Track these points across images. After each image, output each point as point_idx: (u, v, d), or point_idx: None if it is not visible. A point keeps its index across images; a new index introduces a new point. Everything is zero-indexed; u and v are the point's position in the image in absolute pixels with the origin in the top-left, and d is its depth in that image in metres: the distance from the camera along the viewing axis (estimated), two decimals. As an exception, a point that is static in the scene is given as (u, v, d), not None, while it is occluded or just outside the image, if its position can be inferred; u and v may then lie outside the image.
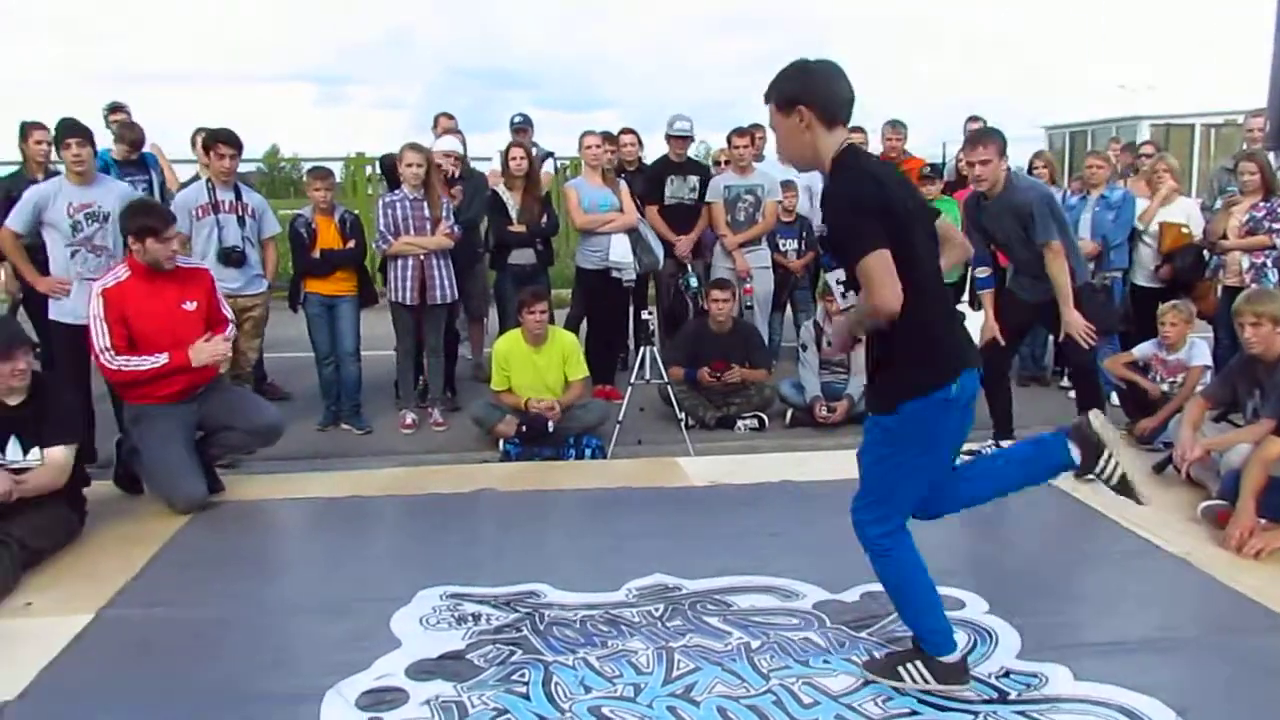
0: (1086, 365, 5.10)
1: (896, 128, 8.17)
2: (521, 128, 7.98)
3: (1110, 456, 3.00)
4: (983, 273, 5.34)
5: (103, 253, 5.28)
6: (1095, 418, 3.03)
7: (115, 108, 7.53)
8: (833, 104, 2.76)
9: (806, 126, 2.76)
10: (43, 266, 5.39)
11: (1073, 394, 6.86)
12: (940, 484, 2.99)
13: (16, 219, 5.30)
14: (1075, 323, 4.88)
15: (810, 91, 2.75)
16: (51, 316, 5.33)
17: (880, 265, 2.62)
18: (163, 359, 4.57)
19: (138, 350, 4.60)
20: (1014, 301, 5.26)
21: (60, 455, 4.16)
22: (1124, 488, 3.04)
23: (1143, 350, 5.93)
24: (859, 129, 7.87)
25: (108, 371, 4.64)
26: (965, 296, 6.92)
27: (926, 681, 2.95)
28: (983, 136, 5.01)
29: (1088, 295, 6.86)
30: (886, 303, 2.62)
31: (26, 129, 6.10)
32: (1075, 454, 3.02)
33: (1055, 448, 3.06)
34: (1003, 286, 5.48)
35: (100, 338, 4.57)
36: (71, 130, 5.27)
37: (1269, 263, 6.21)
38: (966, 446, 5.19)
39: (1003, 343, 5.31)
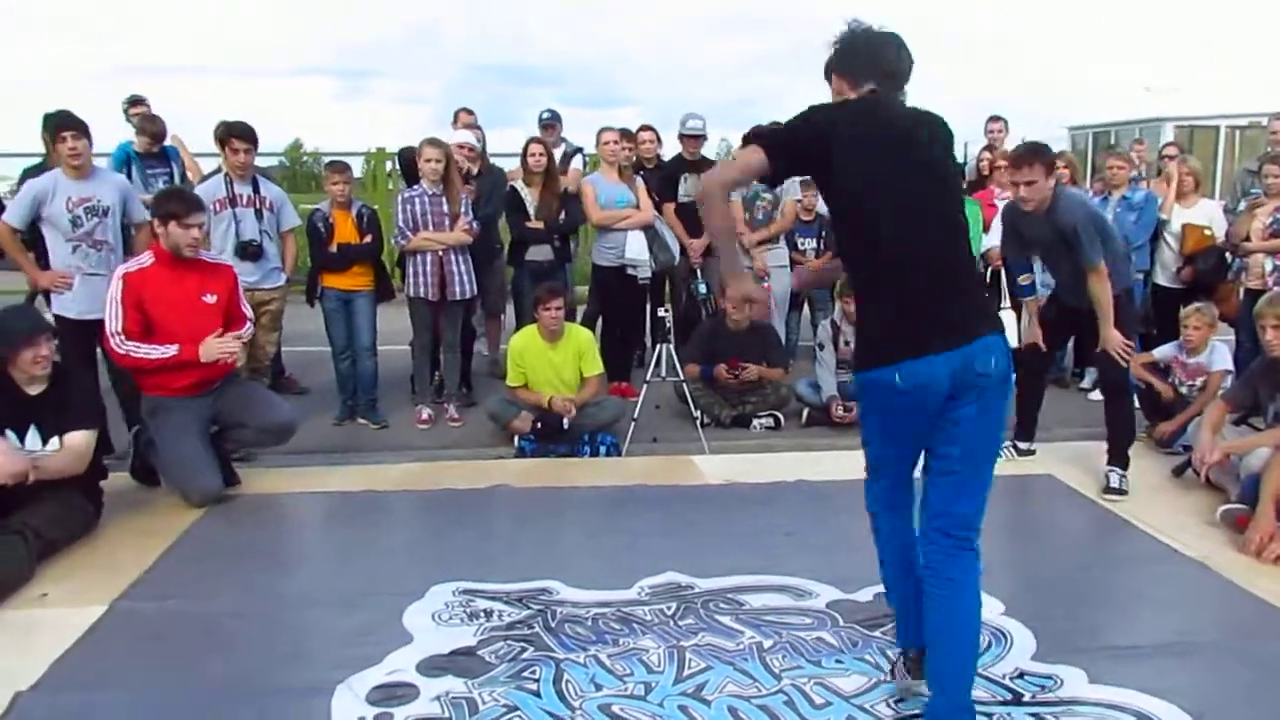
0: (1121, 380, 4.97)
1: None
2: (549, 124, 7.97)
3: None
4: (1025, 280, 5.25)
5: (103, 247, 5.25)
6: None
7: (135, 100, 7.55)
8: (857, 66, 2.74)
9: (838, 93, 2.78)
10: (41, 262, 5.34)
11: (1092, 396, 6.83)
12: (902, 485, 2.87)
13: (14, 214, 5.23)
14: (1113, 339, 4.76)
15: (837, 59, 2.79)
16: (54, 311, 5.26)
17: (741, 155, 2.81)
18: (171, 350, 4.59)
19: (151, 338, 4.62)
20: (1060, 307, 5.15)
21: (80, 440, 4.18)
22: None
23: (1163, 352, 5.88)
24: None
25: (116, 355, 4.66)
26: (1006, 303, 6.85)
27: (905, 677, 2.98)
28: (1029, 156, 4.70)
29: (1126, 299, 6.77)
30: (707, 177, 2.74)
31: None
32: None
33: None
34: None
35: (113, 320, 4.58)
36: (67, 123, 5.18)
37: (1292, 265, 6.16)
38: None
39: (1044, 348, 5.23)
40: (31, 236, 5.37)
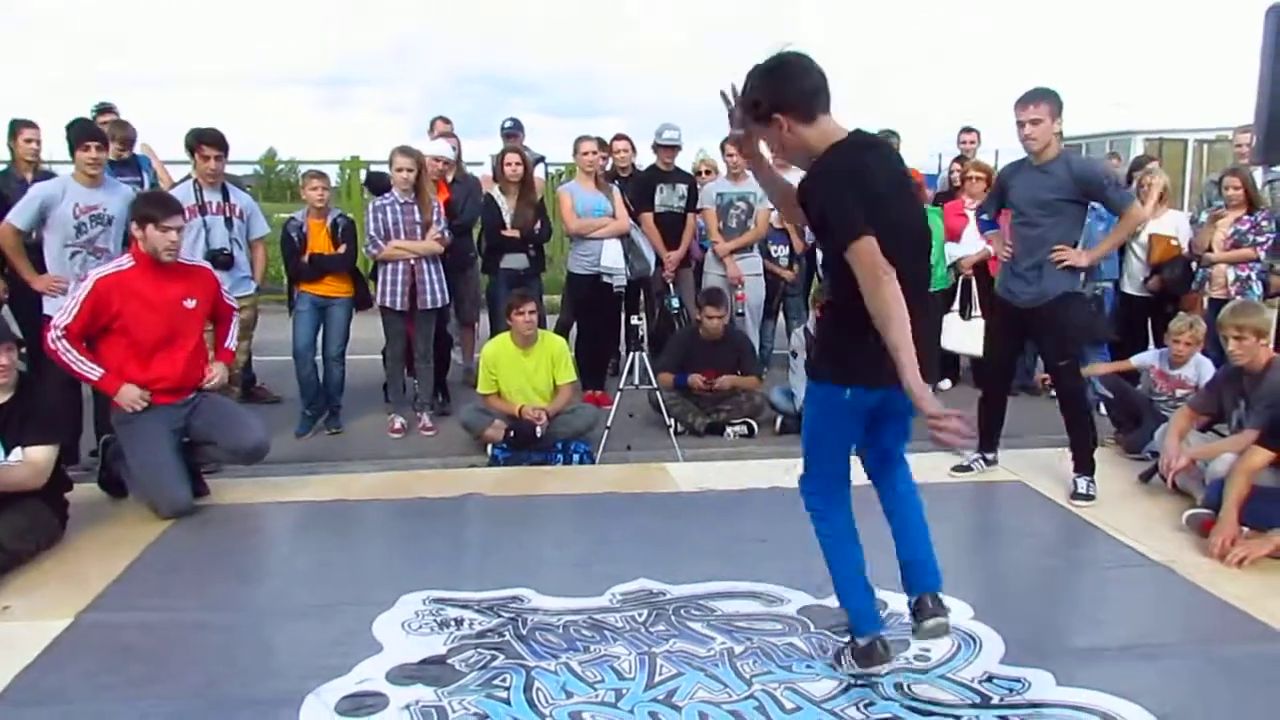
0: (1077, 391, 5.00)
1: (889, 137, 8.17)
2: (512, 133, 7.99)
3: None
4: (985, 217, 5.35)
5: (103, 255, 5.23)
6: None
7: (104, 108, 7.48)
8: (803, 100, 2.75)
9: (789, 130, 2.77)
10: (37, 265, 5.34)
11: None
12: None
13: (20, 216, 5.25)
14: (1072, 255, 4.80)
15: (778, 97, 2.76)
16: (47, 312, 5.15)
17: (866, 257, 2.63)
18: (94, 374, 4.56)
19: (103, 342, 4.59)
20: (1005, 310, 5.09)
21: (41, 455, 4.12)
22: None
23: (1142, 360, 5.91)
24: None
25: (45, 346, 4.57)
26: (955, 305, 6.92)
27: (853, 665, 3.11)
28: (1036, 95, 4.68)
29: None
30: (885, 300, 2.61)
31: (16, 127, 6.07)
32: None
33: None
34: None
35: (63, 315, 4.52)
36: (92, 133, 5.34)
37: (1254, 275, 6.25)
38: (954, 461, 5.22)
39: (987, 355, 5.31)
40: (28, 241, 5.38)
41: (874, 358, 2.66)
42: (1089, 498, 4.78)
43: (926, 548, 3.05)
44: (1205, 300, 6.51)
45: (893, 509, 3.12)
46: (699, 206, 7.30)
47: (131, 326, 4.58)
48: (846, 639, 3.18)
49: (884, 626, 3.16)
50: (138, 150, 7.08)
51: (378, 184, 6.66)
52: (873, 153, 2.84)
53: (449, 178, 6.95)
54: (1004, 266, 5.11)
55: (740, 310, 7.19)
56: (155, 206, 4.66)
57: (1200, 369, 5.57)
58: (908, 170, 2.91)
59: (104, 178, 5.44)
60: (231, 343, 5.04)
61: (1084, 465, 4.90)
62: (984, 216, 5.36)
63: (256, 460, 4.97)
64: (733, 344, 6.66)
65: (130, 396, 4.56)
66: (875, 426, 3.00)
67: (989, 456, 5.29)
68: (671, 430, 6.02)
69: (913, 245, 2.83)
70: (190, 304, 4.74)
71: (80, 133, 5.35)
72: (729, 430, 6.41)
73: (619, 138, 7.90)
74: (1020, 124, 4.72)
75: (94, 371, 4.56)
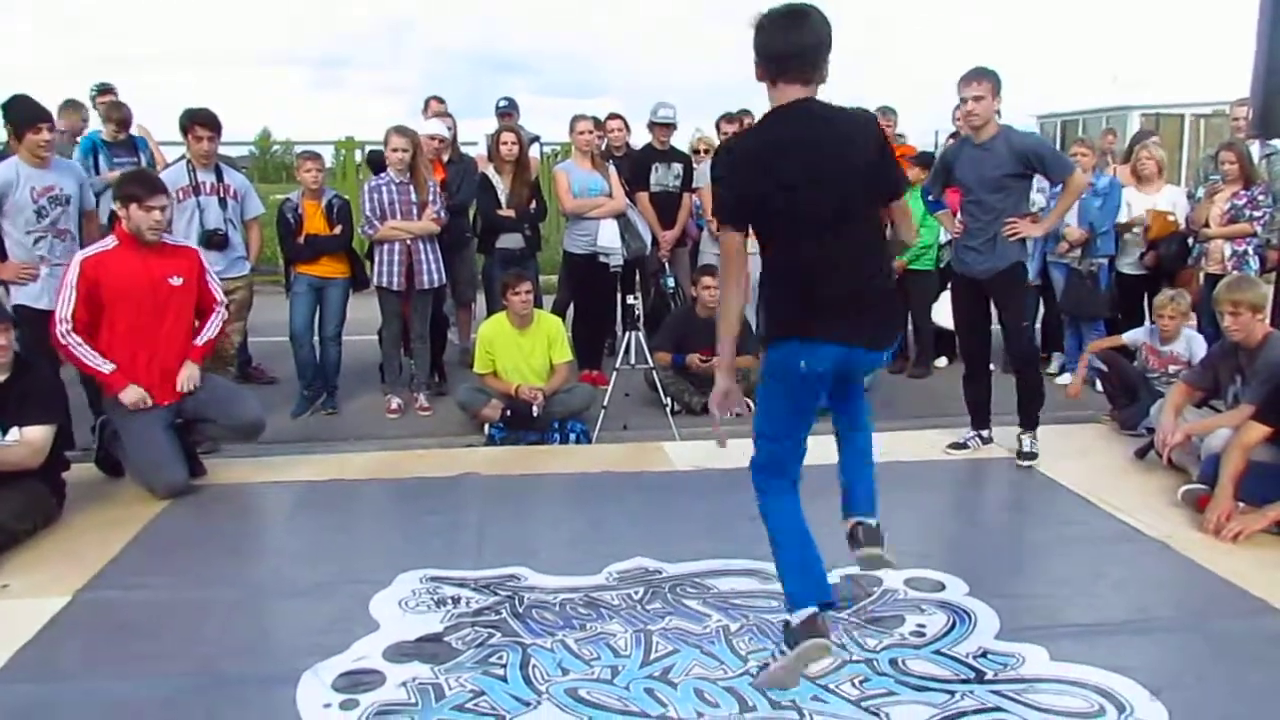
0: (1029, 352, 5.14)
1: (886, 114, 8.14)
2: (507, 112, 7.95)
3: None
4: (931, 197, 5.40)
5: (66, 236, 5.18)
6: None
7: (104, 89, 7.48)
8: (764, 60, 2.73)
9: (759, 78, 2.77)
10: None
11: (1060, 380, 6.88)
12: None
13: None
14: (1025, 227, 4.89)
15: (756, 48, 2.75)
16: (16, 301, 5.14)
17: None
18: (106, 368, 4.55)
19: (101, 330, 4.57)
20: (963, 282, 5.14)
21: (39, 435, 4.12)
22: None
23: (1133, 336, 5.92)
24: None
25: (55, 340, 4.56)
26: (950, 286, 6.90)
27: (785, 654, 2.93)
28: (977, 72, 4.79)
29: (1074, 281, 6.85)
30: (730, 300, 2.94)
31: None
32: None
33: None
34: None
35: (63, 306, 4.51)
36: (41, 114, 5.12)
37: (1250, 250, 6.24)
38: (949, 440, 5.22)
39: (957, 329, 5.37)
40: None
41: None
42: (1033, 455, 4.96)
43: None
44: (1201, 276, 6.50)
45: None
46: (695, 185, 7.28)
47: (117, 306, 4.58)
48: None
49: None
50: (134, 132, 7.05)
51: (379, 163, 6.63)
52: (783, 128, 2.75)
53: (444, 157, 6.92)
54: (956, 242, 5.22)
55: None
56: (139, 185, 4.64)
57: (1191, 344, 5.59)
58: (839, 137, 2.77)
59: (52, 157, 5.26)
60: (205, 337, 4.88)
61: (1030, 422, 5.04)
62: (929, 197, 5.38)
63: (254, 437, 4.97)
64: (729, 323, 6.63)
65: (133, 397, 4.56)
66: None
67: (984, 434, 5.29)
68: (668, 409, 6.02)
69: (823, 201, 2.75)
70: (176, 281, 4.72)
71: (28, 114, 5.07)
72: (726, 409, 6.39)
73: (612, 117, 7.84)
74: (963, 100, 4.85)
75: (105, 366, 4.56)
